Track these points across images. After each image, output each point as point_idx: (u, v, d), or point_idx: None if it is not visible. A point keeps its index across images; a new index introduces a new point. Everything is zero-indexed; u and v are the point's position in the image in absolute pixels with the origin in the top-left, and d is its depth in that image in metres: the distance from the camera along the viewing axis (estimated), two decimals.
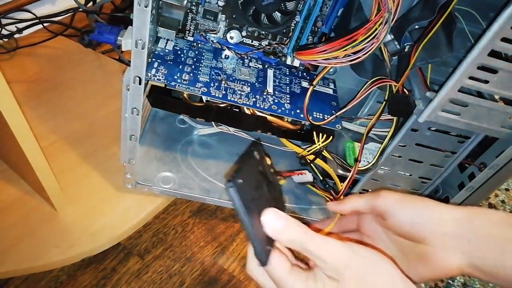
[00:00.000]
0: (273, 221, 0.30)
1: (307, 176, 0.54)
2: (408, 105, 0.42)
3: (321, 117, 0.48)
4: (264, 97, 0.47)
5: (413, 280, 0.36)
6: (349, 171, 0.49)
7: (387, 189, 0.47)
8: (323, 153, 0.50)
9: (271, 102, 0.47)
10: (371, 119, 0.47)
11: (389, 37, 0.43)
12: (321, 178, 0.53)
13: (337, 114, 0.47)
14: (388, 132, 0.46)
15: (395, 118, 0.45)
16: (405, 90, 0.43)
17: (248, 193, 0.29)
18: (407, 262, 0.37)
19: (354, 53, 0.40)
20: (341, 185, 0.50)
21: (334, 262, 0.29)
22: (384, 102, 0.46)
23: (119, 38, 0.42)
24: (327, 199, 0.51)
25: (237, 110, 0.49)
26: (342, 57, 0.41)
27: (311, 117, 0.47)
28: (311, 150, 0.50)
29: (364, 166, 0.48)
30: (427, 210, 0.35)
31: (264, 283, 0.32)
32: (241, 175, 0.29)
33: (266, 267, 0.30)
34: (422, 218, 0.35)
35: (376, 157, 0.47)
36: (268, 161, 0.37)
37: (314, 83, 0.47)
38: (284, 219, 0.30)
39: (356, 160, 0.48)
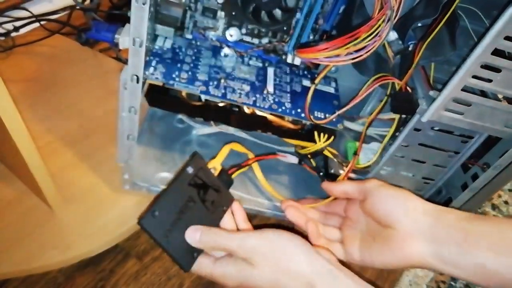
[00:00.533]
0: (191, 236, 0.38)
1: (291, 158, 0.53)
2: (411, 103, 0.42)
3: (322, 116, 0.47)
4: (264, 96, 0.47)
5: (376, 265, 0.40)
6: (355, 170, 0.48)
7: None
8: (324, 153, 0.49)
9: (272, 101, 0.46)
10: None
11: (392, 35, 0.42)
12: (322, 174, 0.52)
13: (339, 112, 0.46)
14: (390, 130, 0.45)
15: (396, 118, 0.45)
16: (408, 88, 0.43)
17: (170, 217, 0.38)
18: (374, 245, 0.41)
19: (356, 51, 0.39)
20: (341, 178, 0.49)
21: (241, 249, 0.36)
22: (386, 98, 0.45)
23: (116, 36, 0.42)
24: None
25: (237, 109, 0.49)
26: (344, 55, 0.40)
27: (312, 116, 0.46)
28: (312, 150, 0.49)
29: (364, 164, 0.48)
30: (401, 198, 0.39)
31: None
32: (161, 204, 0.38)
33: (195, 270, 0.39)
34: (395, 203, 0.39)
35: (377, 155, 0.46)
36: (216, 164, 0.45)
37: (316, 81, 0.46)
38: (199, 231, 0.38)
39: (355, 153, 0.47)
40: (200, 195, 0.41)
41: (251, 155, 0.51)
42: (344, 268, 0.37)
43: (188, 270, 0.38)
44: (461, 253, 0.36)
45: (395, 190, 0.40)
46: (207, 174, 0.42)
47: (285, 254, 0.35)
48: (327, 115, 0.47)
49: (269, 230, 0.37)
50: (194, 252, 0.38)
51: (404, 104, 0.43)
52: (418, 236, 0.37)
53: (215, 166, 0.45)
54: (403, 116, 0.44)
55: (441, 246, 0.36)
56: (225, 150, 0.48)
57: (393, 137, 0.46)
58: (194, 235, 0.38)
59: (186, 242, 0.38)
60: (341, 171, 0.50)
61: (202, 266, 0.38)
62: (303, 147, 0.52)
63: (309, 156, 0.51)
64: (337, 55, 0.40)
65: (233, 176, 0.47)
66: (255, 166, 0.53)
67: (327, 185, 0.46)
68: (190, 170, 0.41)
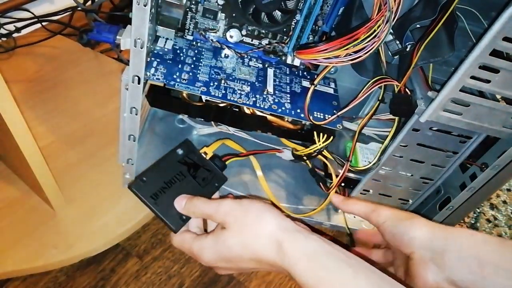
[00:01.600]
0: (179, 203, 0.40)
1: (287, 154, 0.55)
2: (410, 105, 0.42)
3: (321, 116, 0.47)
4: (264, 96, 0.47)
5: None
6: (351, 171, 0.48)
7: (389, 189, 0.47)
8: (323, 153, 0.50)
9: (271, 102, 0.47)
10: (373, 118, 0.46)
11: (391, 36, 0.42)
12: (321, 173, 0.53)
13: (339, 113, 0.47)
14: (390, 132, 0.45)
15: (396, 118, 0.45)
16: (407, 90, 0.43)
17: (158, 184, 0.41)
18: (403, 274, 0.40)
19: (355, 52, 0.40)
20: (336, 180, 0.50)
21: (217, 213, 0.38)
22: (378, 103, 0.45)
23: (118, 37, 0.42)
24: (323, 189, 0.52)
25: (237, 109, 0.49)
26: (343, 56, 0.40)
27: (311, 116, 0.47)
28: (311, 150, 0.50)
29: (365, 165, 0.48)
30: (411, 228, 0.39)
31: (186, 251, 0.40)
32: (150, 173, 0.41)
33: (178, 245, 0.40)
34: (407, 236, 0.38)
35: (377, 156, 0.47)
36: (207, 150, 0.48)
37: (315, 82, 0.46)
38: (185, 199, 0.40)
39: (348, 160, 0.48)
40: (191, 172, 0.43)
41: (244, 151, 0.54)
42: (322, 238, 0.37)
43: (176, 231, 0.40)
44: (476, 281, 0.35)
45: (400, 220, 0.40)
46: (198, 156, 0.45)
47: (255, 216, 0.37)
48: (326, 116, 0.47)
49: (245, 198, 0.39)
50: (183, 216, 0.41)
51: (402, 107, 0.43)
52: (431, 264, 0.37)
53: (206, 151, 0.48)
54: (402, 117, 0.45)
55: (455, 274, 0.36)
56: (218, 142, 0.52)
57: (395, 136, 0.46)
58: (181, 202, 0.40)
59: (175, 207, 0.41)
60: (340, 171, 0.50)
61: (184, 241, 0.40)
62: (302, 148, 0.53)
63: (309, 155, 0.52)
64: (336, 56, 0.40)
65: (227, 162, 0.49)
66: (255, 163, 0.54)
67: (336, 200, 0.47)
68: (180, 151, 0.44)
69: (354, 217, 0.54)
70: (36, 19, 0.78)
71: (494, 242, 0.37)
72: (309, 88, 0.46)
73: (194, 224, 0.42)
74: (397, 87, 0.43)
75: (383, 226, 0.41)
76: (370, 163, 0.47)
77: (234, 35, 0.49)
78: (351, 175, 0.51)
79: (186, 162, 0.44)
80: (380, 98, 0.45)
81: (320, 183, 0.52)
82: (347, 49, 0.40)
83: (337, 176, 0.50)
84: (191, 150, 0.45)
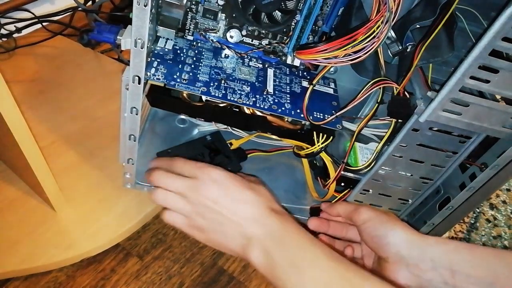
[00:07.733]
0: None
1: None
2: (408, 108, 0.42)
3: (321, 117, 0.47)
4: (264, 96, 0.47)
5: None
6: (350, 171, 0.48)
7: (388, 189, 0.48)
8: (321, 154, 0.50)
9: (271, 102, 0.47)
10: (373, 119, 0.47)
11: (391, 37, 0.43)
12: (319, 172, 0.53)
13: (337, 114, 0.47)
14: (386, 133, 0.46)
15: (393, 120, 0.45)
16: (406, 93, 0.43)
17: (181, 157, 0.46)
18: (375, 266, 0.43)
19: (355, 52, 0.40)
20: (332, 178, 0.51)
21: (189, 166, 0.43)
22: (376, 105, 0.46)
23: (118, 37, 0.42)
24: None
25: (237, 109, 0.49)
26: (343, 57, 0.40)
27: (311, 117, 0.47)
28: (310, 150, 0.50)
29: (358, 166, 0.48)
30: (390, 234, 0.40)
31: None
32: (176, 148, 0.50)
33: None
34: (385, 240, 0.40)
35: (371, 159, 0.47)
36: (234, 142, 0.55)
37: (314, 82, 0.47)
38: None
39: (343, 162, 0.48)
40: (210, 155, 0.49)
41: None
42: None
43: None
44: None
45: (380, 224, 0.42)
46: (223, 144, 0.51)
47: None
48: (326, 116, 0.47)
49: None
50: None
51: (400, 109, 0.43)
52: (405, 270, 0.39)
53: (232, 142, 0.53)
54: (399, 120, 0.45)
55: (430, 282, 0.38)
56: (248, 137, 0.57)
57: (391, 138, 0.46)
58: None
59: None
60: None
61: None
62: (302, 148, 0.53)
63: (308, 155, 0.52)
64: (336, 56, 0.40)
65: (249, 155, 0.54)
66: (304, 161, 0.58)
67: (325, 207, 0.49)
68: (208, 137, 0.51)
69: None
70: (36, 20, 0.78)
71: (465, 250, 0.38)
72: (308, 88, 0.46)
73: None
74: (396, 89, 0.43)
75: (363, 227, 0.43)
76: (362, 164, 0.48)
77: (234, 35, 0.49)
78: (351, 175, 0.51)
79: (210, 147, 0.50)
80: (379, 101, 0.45)
81: (319, 177, 0.53)
82: (346, 49, 0.40)
83: (340, 177, 0.50)
84: (218, 138, 0.51)
